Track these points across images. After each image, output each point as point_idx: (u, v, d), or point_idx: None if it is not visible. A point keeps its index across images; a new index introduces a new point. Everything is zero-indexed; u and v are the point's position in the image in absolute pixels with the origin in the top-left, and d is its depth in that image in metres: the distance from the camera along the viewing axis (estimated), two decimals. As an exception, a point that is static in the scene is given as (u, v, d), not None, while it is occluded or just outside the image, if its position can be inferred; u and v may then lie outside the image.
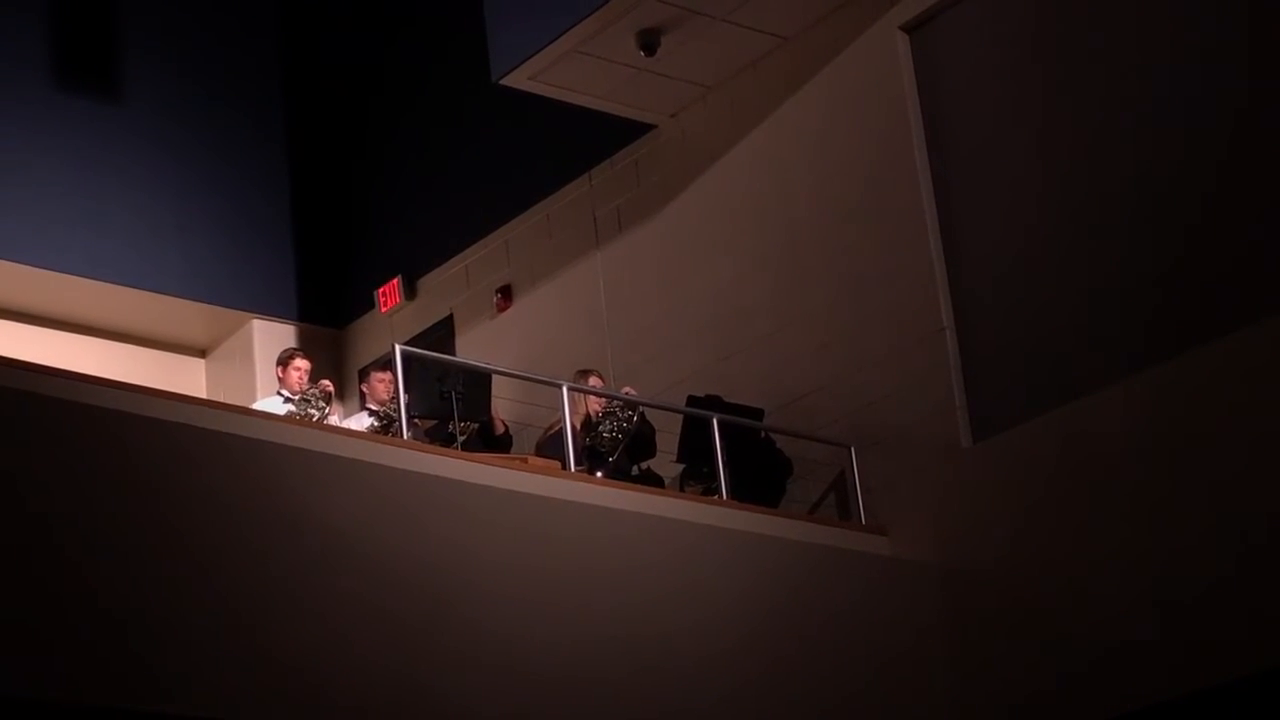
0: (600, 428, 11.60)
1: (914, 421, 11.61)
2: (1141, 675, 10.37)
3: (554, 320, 14.06)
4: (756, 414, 12.00)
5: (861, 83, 12.38)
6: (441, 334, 14.76)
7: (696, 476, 11.79)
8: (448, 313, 14.87)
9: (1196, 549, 10.25)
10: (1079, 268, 11.20)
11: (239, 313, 15.09)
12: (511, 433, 12.20)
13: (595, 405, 11.78)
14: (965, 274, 11.70)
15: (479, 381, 11.46)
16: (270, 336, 14.98)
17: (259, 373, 14.70)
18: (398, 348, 10.76)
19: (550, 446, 11.44)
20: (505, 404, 12.17)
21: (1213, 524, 10.22)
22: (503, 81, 13.02)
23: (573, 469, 10.80)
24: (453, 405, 11.11)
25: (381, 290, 15.22)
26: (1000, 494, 11.19)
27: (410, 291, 15.16)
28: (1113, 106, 11.20)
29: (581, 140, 13.98)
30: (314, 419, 11.32)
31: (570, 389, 11.22)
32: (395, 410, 11.10)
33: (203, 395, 14.37)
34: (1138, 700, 10.37)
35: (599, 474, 11.28)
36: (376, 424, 11.75)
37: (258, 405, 11.81)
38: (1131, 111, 11.12)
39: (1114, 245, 11.06)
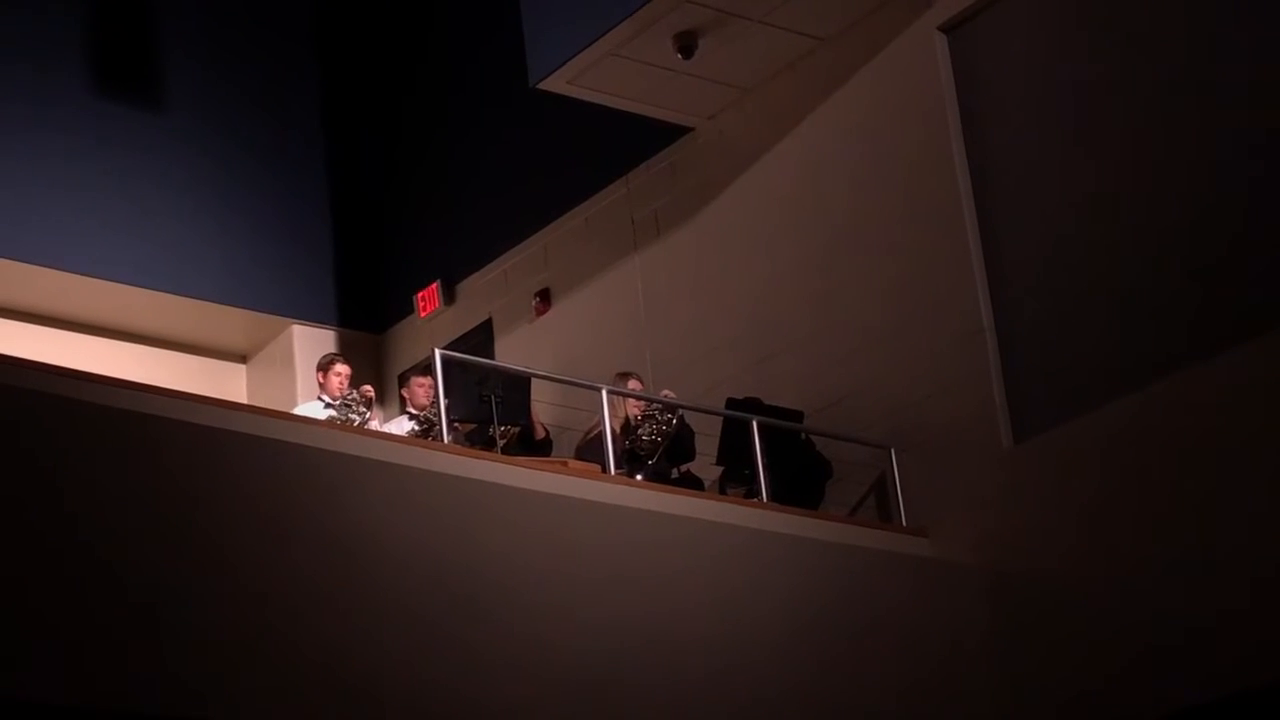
0: (640, 431, 11.60)
1: (954, 423, 11.57)
2: (1185, 677, 10.32)
3: (592, 323, 14.06)
4: (796, 416, 11.98)
5: (899, 84, 12.35)
6: (480, 338, 14.77)
7: (736, 479, 11.77)
8: (487, 317, 14.88)
9: (1241, 549, 10.20)
10: (1120, 266, 11.15)
11: (279, 318, 15.12)
12: (551, 436, 12.21)
13: (634, 408, 11.77)
14: (1005, 274, 11.66)
15: (518, 385, 11.47)
16: (310, 342, 15.01)
17: (299, 378, 14.74)
18: (438, 352, 10.78)
19: (590, 450, 11.44)
20: (544, 407, 12.17)
21: (1258, 524, 10.16)
22: (540, 85, 13.02)
23: (613, 472, 10.79)
24: (492, 409, 11.10)
25: (420, 295, 15.24)
26: (1041, 495, 11.15)
27: (449, 296, 15.17)
28: (1152, 104, 11.16)
29: (619, 143, 13.99)
30: (355, 424, 11.34)
31: (610, 392, 11.22)
32: (435, 415, 11.11)
33: (244, 400, 14.42)
34: (1181, 702, 10.32)
35: (639, 477, 11.28)
36: (417, 428, 11.77)
37: (298, 410, 11.84)
38: (1171, 109, 11.07)
39: (1155, 243, 11.01)
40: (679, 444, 11.74)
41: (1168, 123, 11.08)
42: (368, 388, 11.94)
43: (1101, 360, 11.17)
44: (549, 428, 12.21)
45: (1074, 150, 11.51)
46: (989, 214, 11.81)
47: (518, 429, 11.74)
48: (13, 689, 7.87)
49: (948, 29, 12.22)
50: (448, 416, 10.71)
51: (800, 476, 11.75)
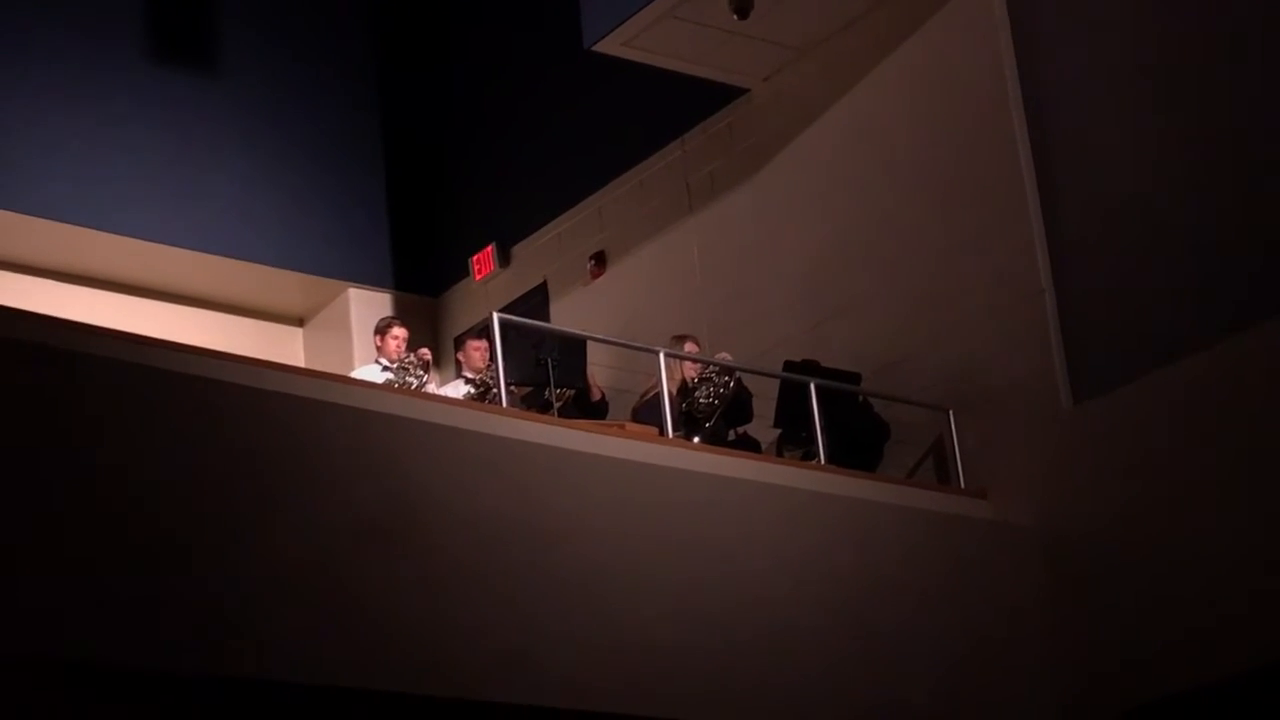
0: (696, 393, 11.58)
1: (1013, 384, 11.52)
2: (1245, 641, 10.26)
3: (648, 286, 14.04)
4: (854, 378, 11.94)
5: (957, 42, 12.26)
6: (536, 301, 14.77)
7: (794, 441, 11.75)
8: (541, 280, 14.88)
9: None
10: (1181, 224, 11.06)
11: (335, 281, 15.16)
12: (607, 398, 12.20)
13: (691, 371, 11.75)
14: (1064, 235, 11.58)
15: (574, 348, 11.46)
16: (366, 305, 15.06)
17: (356, 341, 14.78)
18: (495, 316, 10.75)
19: (646, 412, 11.42)
20: (599, 370, 12.17)
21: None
22: (595, 48, 12.99)
23: (670, 435, 10.77)
24: (548, 372, 11.10)
25: (476, 258, 15.25)
26: (1101, 456, 11.09)
27: (504, 259, 15.17)
28: (1215, 60, 11.05)
29: (674, 105, 13.94)
30: (412, 387, 11.36)
31: (667, 355, 11.20)
32: (491, 378, 11.12)
33: (301, 364, 14.46)
34: (1241, 666, 10.27)
35: (696, 440, 11.26)
36: (473, 391, 11.77)
37: (356, 373, 11.87)
38: (1234, 65, 10.95)
39: (1217, 201, 10.91)
40: (736, 406, 11.71)
41: (1232, 78, 10.96)
42: (425, 351, 11.96)
43: (1162, 321, 11.08)
44: (604, 390, 12.21)
45: (1135, 108, 11.41)
46: (1048, 173, 11.72)
47: (573, 392, 11.73)
48: (78, 652, 7.92)
49: (1006, -13, 12.14)
50: (504, 380, 10.70)
51: (858, 439, 11.71)
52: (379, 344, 12.12)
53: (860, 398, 11.95)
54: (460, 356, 12.64)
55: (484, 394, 11.54)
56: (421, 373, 11.62)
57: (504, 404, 10.55)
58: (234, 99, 14.90)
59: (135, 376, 8.49)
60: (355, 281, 15.24)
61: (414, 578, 8.94)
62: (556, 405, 11.32)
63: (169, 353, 8.83)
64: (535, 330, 11.63)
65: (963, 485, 11.62)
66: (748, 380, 11.86)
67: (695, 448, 10.82)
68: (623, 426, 10.95)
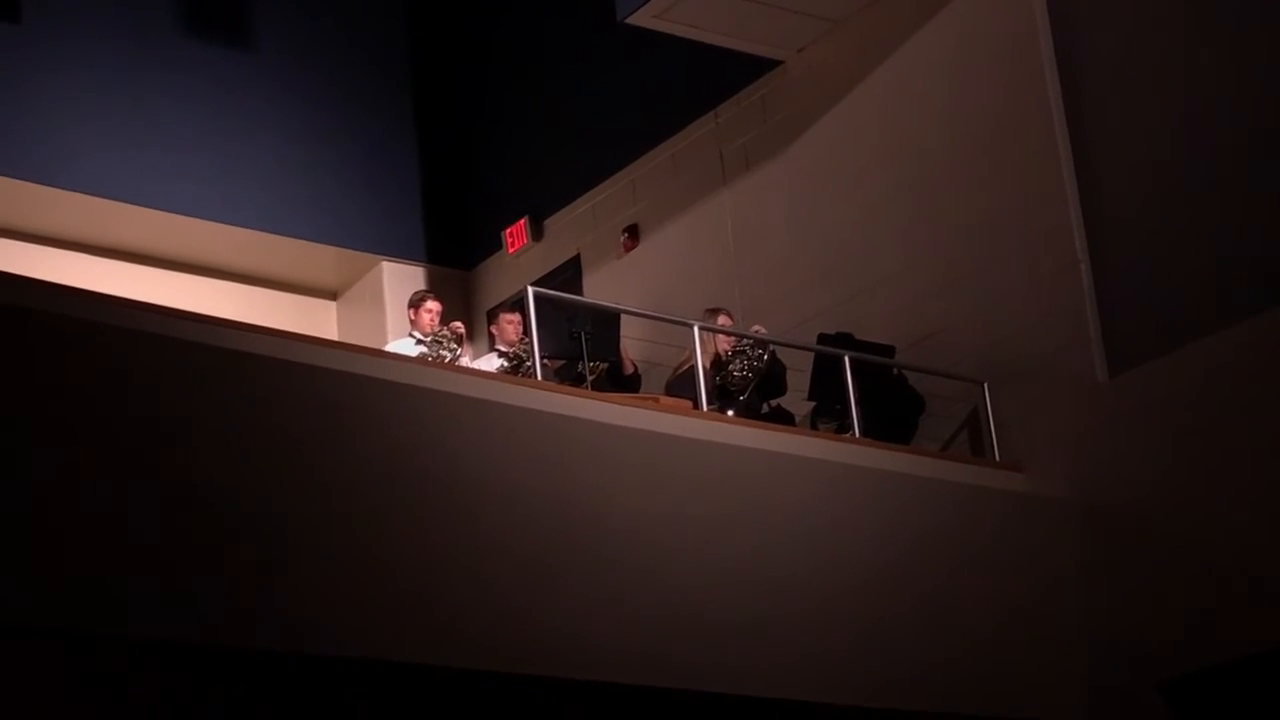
0: (730, 366, 11.57)
1: (1049, 356, 11.48)
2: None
3: (681, 259, 14.02)
4: (888, 351, 11.92)
5: (992, 13, 12.21)
6: (569, 274, 14.77)
7: (828, 414, 11.73)
8: (575, 253, 14.88)
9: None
10: (1218, 195, 10.99)
11: (369, 255, 15.20)
12: (640, 372, 12.20)
13: (725, 344, 11.74)
14: (1100, 204, 11.52)
15: (608, 321, 11.45)
16: (399, 279, 15.08)
17: (389, 315, 14.81)
18: (530, 289, 10.74)
19: (680, 385, 11.41)
20: (632, 343, 12.16)
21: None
22: (628, 20, 12.96)
23: (704, 408, 10.76)
24: (582, 345, 11.09)
25: (509, 231, 15.26)
26: (1137, 428, 11.05)
27: (537, 232, 15.17)
28: (1254, 30, 10.97)
29: (707, 78, 13.91)
30: (446, 360, 11.37)
31: (702, 328, 11.19)
32: (525, 351, 11.12)
33: (334, 338, 14.48)
34: (1276, 637, 10.23)
35: (730, 413, 11.24)
36: (506, 365, 11.78)
37: (389, 347, 11.90)
38: (1273, 35, 10.88)
39: (1255, 171, 10.84)
40: (770, 379, 11.70)
41: (1269, 47, 10.88)
42: (458, 324, 11.97)
43: (1198, 293, 11.02)
44: (637, 363, 12.20)
45: (1171, 79, 11.34)
46: (1083, 144, 11.66)
47: (607, 365, 11.72)
48: (114, 624, 7.95)
49: (1041, -44, 12.07)
50: (538, 353, 10.70)
51: (892, 411, 11.69)
52: (412, 317, 12.14)
53: (895, 370, 11.92)
54: (493, 329, 12.65)
55: (517, 367, 11.55)
56: (455, 346, 11.63)
57: (537, 377, 10.55)
58: (268, 73, 14.91)
59: (169, 350, 8.49)
60: (389, 255, 15.27)
61: (446, 551, 8.94)
62: (590, 378, 11.31)
63: (202, 326, 8.83)
64: (569, 303, 11.62)
65: (998, 458, 11.59)
66: (782, 353, 11.84)
67: (729, 421, 10.81)
68: (656, 400, 10.93)
